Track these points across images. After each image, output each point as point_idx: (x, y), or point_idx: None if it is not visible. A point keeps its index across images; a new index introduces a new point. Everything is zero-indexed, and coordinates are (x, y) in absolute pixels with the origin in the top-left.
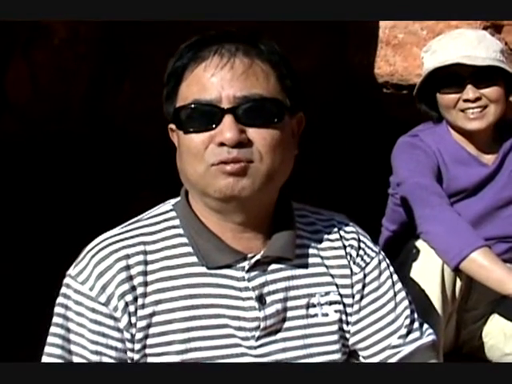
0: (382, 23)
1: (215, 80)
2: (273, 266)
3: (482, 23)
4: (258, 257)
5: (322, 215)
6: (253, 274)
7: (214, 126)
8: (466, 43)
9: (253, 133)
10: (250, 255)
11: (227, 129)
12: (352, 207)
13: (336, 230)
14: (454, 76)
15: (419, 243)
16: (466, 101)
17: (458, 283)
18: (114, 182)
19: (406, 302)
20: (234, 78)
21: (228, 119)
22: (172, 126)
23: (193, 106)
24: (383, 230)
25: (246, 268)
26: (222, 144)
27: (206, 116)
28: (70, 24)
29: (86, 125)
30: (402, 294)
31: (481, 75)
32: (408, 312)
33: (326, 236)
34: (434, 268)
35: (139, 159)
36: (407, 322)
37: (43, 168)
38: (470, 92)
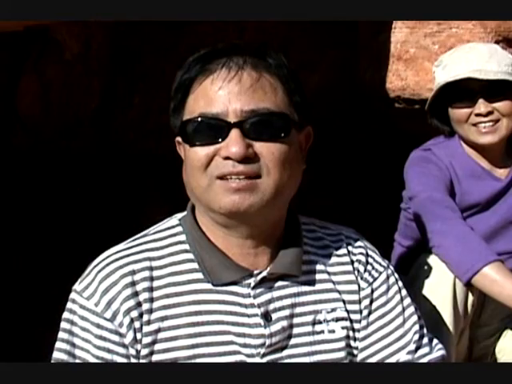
0: (394, 38)
1: (222, 93)
2: (279, 283)
3: (493, 37)
4: (264, 274)
5: (329, 230)
6: (258, 290)
7: (220, 139)
8: (478, 57)
9: (260, 147)
10: (256, 272)
11: (233, 143)
12: (364, 222)
13: (344, 244)
14: (465, 90)
15: (431, 258)
16: (477, 115)
17: (471, 298)
18: (123, 198)
19: (414, 317)
20: (242, 92)
21: (235, 133)
22: (179, 138)
23: (199, 119)
24: (396, 246)
25: (252, 285)
26: (227, 158)
27: (212, 130)
28: (82, 39)
29: (96, 140)
30: (411, 308)
31: (493, 89)
32: (417, 327)
33: (333, 251)
34: (446, 283)
35: (149, 174)
36: (416, 337)
37: (53, 183)
38: (481, 106)
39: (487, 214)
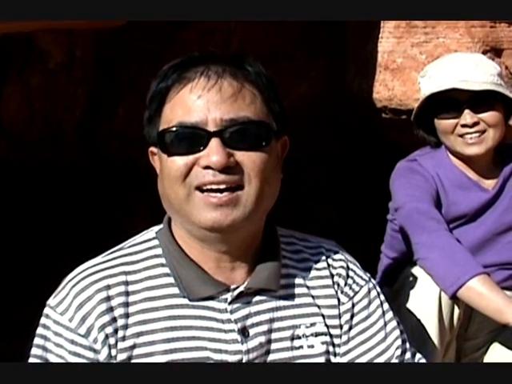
0: (381, 47)
1: (201, 102)
2: (257, 298)
3: (481, 47)
4: (240, 288)
5: (309, 242)
6: (236, 305)
7: (200, 148)
8: (463, 67)
9: (241, 156)
10: (232, 287)
11: (214, 152)
12: (351, 233)
13: (324, 258)
14: (451, 101)
15: (416, 270)
16: (463, 126)
17: (457, 311)
18: (106, 208)
19: (396, 332)
20: (222, 101)
21: (214, 142)
22: (154, 149)
23: (177, 128)
24: (382, 257)
25: (229, 300)
26: (207, 167)
27: (191, 139)
28: (66, 48)
29: (80, 149)
30: (393, 323)
31: (478, 99)
32: (399, 342)
33: (312, 265)
34: (431, 296)
35: (133, 183)
36: (398, 352)
37: (37, 193)
38: (467, 117)
39: (475, 225)
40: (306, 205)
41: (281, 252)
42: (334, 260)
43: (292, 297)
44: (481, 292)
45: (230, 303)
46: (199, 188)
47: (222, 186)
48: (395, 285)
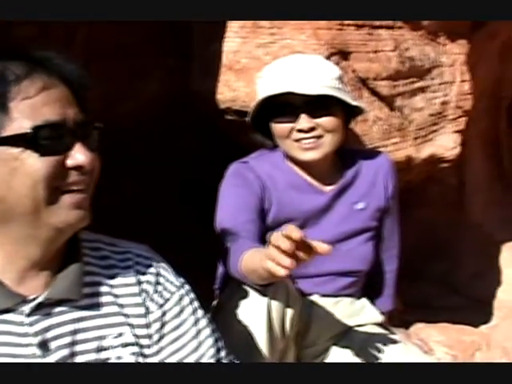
0: (226, 47)
1: (55, 100)
2: (58, 309)
3: (328, 49)
4: (39, 299)
5: (117, 247)
6: (34, 318)
7: (65, 149)
8: (300, 70)
9: (94, 158)
10: (30, 298)
11: (83, 153)
12: (197, 237)
13: (131, 263)
14: (287, 104)
15: None
16: (299, 131)
17: (289, 318)
18: None
19: (210, 341)
20: (70, 101)
21: (80, 143)
22: None
23: (40, 127)
24: (219, 264)
25: (27, 312)
26: (74, 168)
27: (55, 139)
28: None
29: None
30: (207, 331)
31: (316, 104)
32: (212, 351)
33: (119, 271)
34: (259, 303)
35: None
36: (212, 361)
37: None
38: (303, 122)
39: (311, 231)
40: (155, 206)
41: (84, 258)
42: (142, 266)
43: (97, 306)
44: (251, 260)
45: (28, 315)
46: (59, 188)
47: (82, 187)
48: (225, 291)
